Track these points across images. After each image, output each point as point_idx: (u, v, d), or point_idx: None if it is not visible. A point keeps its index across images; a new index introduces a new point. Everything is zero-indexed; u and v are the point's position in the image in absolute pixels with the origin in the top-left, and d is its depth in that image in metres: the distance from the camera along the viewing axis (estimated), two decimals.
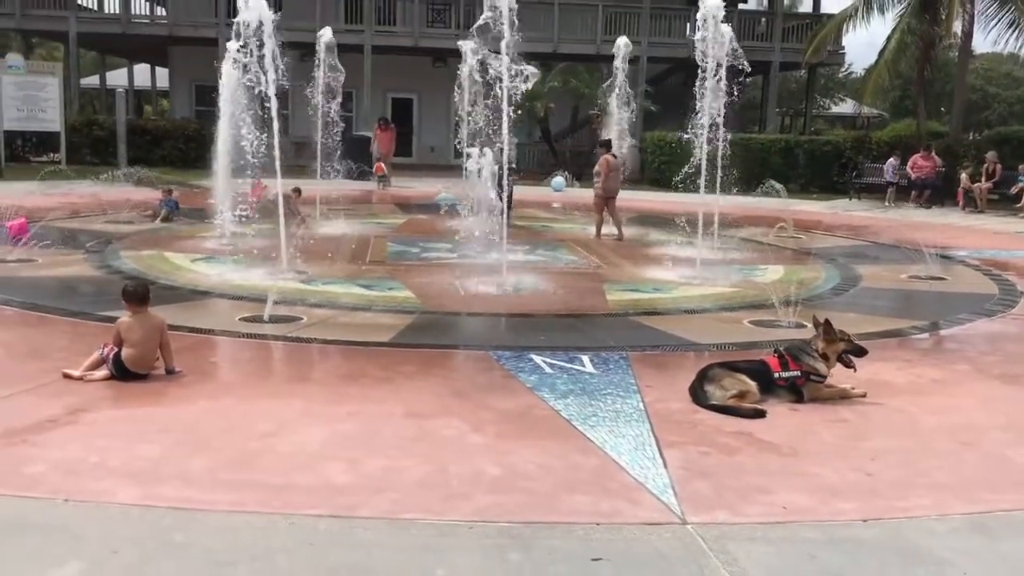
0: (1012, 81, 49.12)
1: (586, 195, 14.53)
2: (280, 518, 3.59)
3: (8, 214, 10.82)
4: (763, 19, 30.90)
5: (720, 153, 11.09)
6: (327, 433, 4.61)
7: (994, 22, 22.48)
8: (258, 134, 9.73)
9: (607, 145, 14.51)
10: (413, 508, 3.73)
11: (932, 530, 3.69)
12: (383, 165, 21.91)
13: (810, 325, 5.92)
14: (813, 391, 5.42)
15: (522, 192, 17.19)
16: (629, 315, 8.34)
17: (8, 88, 21.88)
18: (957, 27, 22.15)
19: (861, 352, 5.59)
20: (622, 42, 16.55)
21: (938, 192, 20.42)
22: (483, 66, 9.78)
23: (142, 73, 38.59)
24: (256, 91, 9.49)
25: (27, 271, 9.27)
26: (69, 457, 4.15)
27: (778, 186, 15.98)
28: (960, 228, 16.27)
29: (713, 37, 10.50)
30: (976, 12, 22.09)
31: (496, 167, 10.44)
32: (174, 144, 24.88)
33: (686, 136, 11.26)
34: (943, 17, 22.12)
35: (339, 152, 15.49)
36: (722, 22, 10.64)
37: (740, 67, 10.81)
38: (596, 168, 14.13)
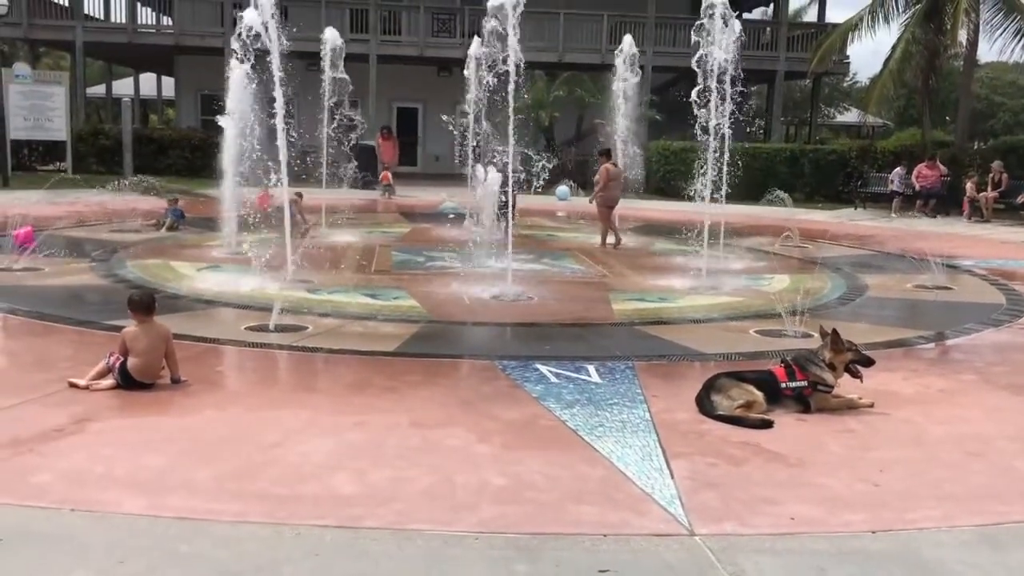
0: (1017, 90, 49.04)
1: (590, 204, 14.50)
2: (286, 529, 3.58)
3: (15, 223, 10.83)
4: (768, 28, 30.96)
5: (725, 162, 11.08)
6: (333, 443, 4.60)
7: (999, 31, 22.52)
8: (264, 143, 9.75)
9: (607, 153, 14.47)
10: (419, 519, 3.72)
11: (941, 542, 3.67)
12: (388, 174, 21.95)
13: (817, 335, 5.91)
14: (820, 401, 5.40)
15: (526, 201, 17.22)
16: (635, 324, 8.32)
17: (15, 97, 21.99)
18: (962, 36, 22.15)
19: (868, 362, 5.58)
20: (627, 40, 16.39)
21: (943, 201, 20.38)
22: (491, 71, 9.77)
23: (148, 82, 38.72)
24: (264, 100, 9.52)
25: (33, 280, 9.29)
26: (75, 467, 4.15)
27: (783, 195, 15.96)
28: (966, 237, 16.23)
29: (719, 41, 10.49)
30: (981, 21, 22.10)
31: (500, 177, 10.46)
32: (180, 153, 24.95)
33: (689, 145, 11.27)
34: (948, 26, 22.11)
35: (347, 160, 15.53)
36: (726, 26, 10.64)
37: (742, 77, 10.82)
38: (596, 177, 14.13)
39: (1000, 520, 3.88)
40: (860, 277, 11.26)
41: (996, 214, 19.18)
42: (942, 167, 20.68)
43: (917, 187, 20.53)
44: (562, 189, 22.31)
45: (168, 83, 36.54)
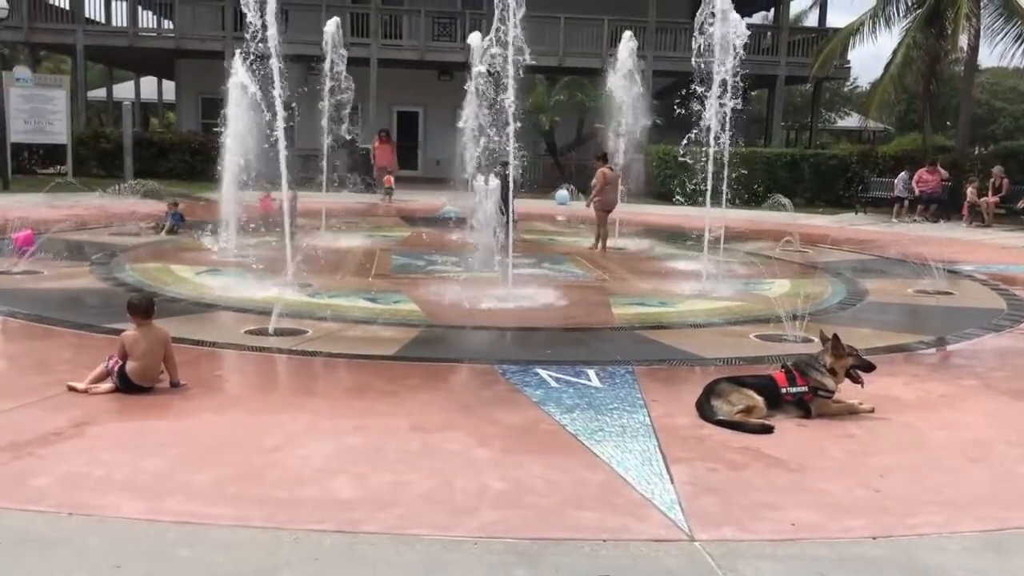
0: (1018, 95, 49.08)
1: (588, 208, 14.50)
2: (285, 533, 3.57)
3: (15, 226, 10.83)
4: (769, 33, 30.97)
5: (726, 166, 11.07)
6: (333, 447, 4.59)
7: (1000, 36, 22.52)
8: (265, 146, 9.75)
9: (603, 157, 14.45)
10: (419, 523, 3.71)
11: (942, 547, 3.66)
12: (391, 178, 21.94)
13: (817, 340, 5.89)
14: (821, 406, 5.39)
15: (527, 205, 17.22)
16: (635, 329, 8.31)
17: (15, 101, 21.98)
18: (963, 41, 22.16)
19: (869, 367, 5.57)
20: (626, 36, 16.29)
21: (944, 206, 20.38)
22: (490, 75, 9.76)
23: (149, 86, 38.76)
24: (263, 103, 9.51)
25: (33, 283, 9.28)
26: (74, 470, 4.14)
27: (784, 200, 15.96)
28: (967, 242, 16.23)
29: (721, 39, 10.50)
30: (982, 26, 22.11)
31: (501, 182, 10.45)
32: (180, 157, 24.95)
33: (687, 149, 11.26)
34: (949, 31, 22.13)
35: (348, 165, 15.54)
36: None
37: (743, 82, 10.81)
38: (593, 181, 14.12)
39: (1002, 526, 3.87)
40: (861, 282, 11.25)
41: (997, 219, 19.19)
42: (943, 171, 20.69)
43: (918, 192, 20.54)
44: (561, 193, 22.34)
45: (169, 87, 36.61)
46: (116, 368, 5.37)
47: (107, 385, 5.38)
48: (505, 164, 10.58)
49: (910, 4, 23.77)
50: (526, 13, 9.38)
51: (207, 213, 14.49)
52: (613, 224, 14.70)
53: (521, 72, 9.34)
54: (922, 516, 3.95)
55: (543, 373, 6.15)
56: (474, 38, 10.28)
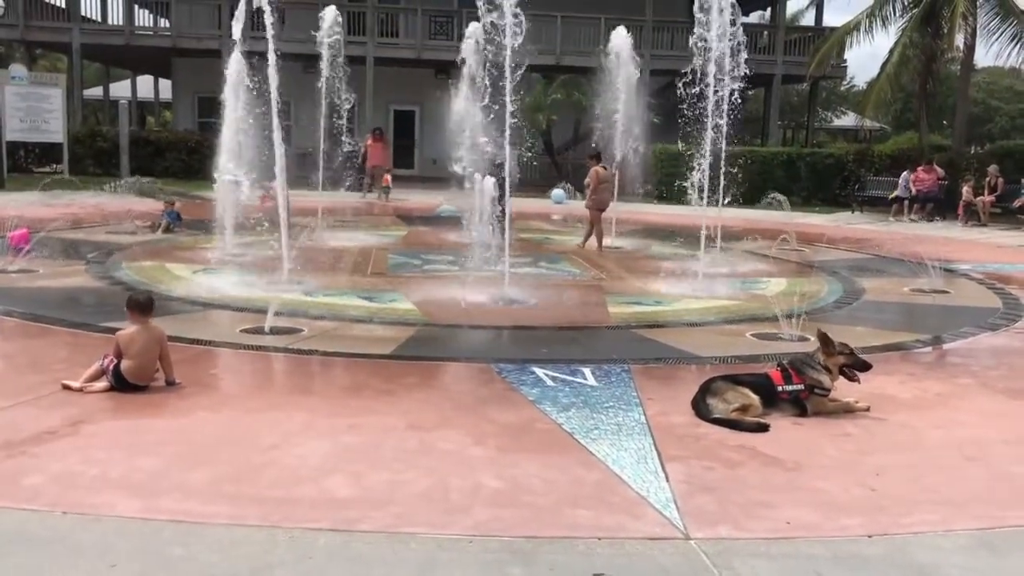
0: (1014, 95, 49.16)
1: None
2: (280, 532, 3.56)
3: (10, 224, 10.81)
4: (765, 32, 30.99)
5: (723, 165, 11.08)
6: (329, 446, 4.58)
7: (996, 36, 22.56)
8: (261, 145, 9.75)
9: (597, 156, 14.45)
10: (414, 522, 3.70)
11: (938, 546, 3.66)
12: (389, 177, 21.89)
13: (813, 338, 5.89)
14: (817, 405, 5.39)
15: (523, 205, 17.21)
16: (631, 328, 8.31)
17: (11, 99, 21.92)
18: (959, 41, 22.21)
19: (864, 366, 5.56)
20: (619, 31, 16.21)
21: (940, 205, 20.40)
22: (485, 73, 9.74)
23: (145, 85, 38.73)
24: (259, 102, 9.52)
25: (28, 282, 9.26)
26: (68, 469, 4.13)
27: (781, 198, 15.97)
28: (963, 241, 16.24)
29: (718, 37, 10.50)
30: (978, 26, 22.14)
31: (497, 181, 10.44)
32: (177, 155, 24.94)
33: (687, 148, 11.27)
34: (945, 31, 22.16)
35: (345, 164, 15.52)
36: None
37: (743, 78, 10.82)
38: (586, 180, 14.13)
39: (997, 524, 3.87)
40: (857, 281, 11.25)
41: (993, 218, 19.22)
42: (939, 170, 20.70)
43: (914, 191, 20.55)
44: (557, 192, 22.34)
45: (165, 85, 36.55)
46: (111, 367, 5.36)
47: (102, 384, 5.37)
48: (500, 164, 10.57)
49: (906, 3, 23.80)
50: (522, 11, 9.36)
51: (203, 212, 14.49)
52: (609, 223, 14.69)
53: (513, 70, 9.32)
54: (918, 515, 3.95)
55: (539, 372, 6.15)
56: (473, 28, 10.24)
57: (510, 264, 9.78)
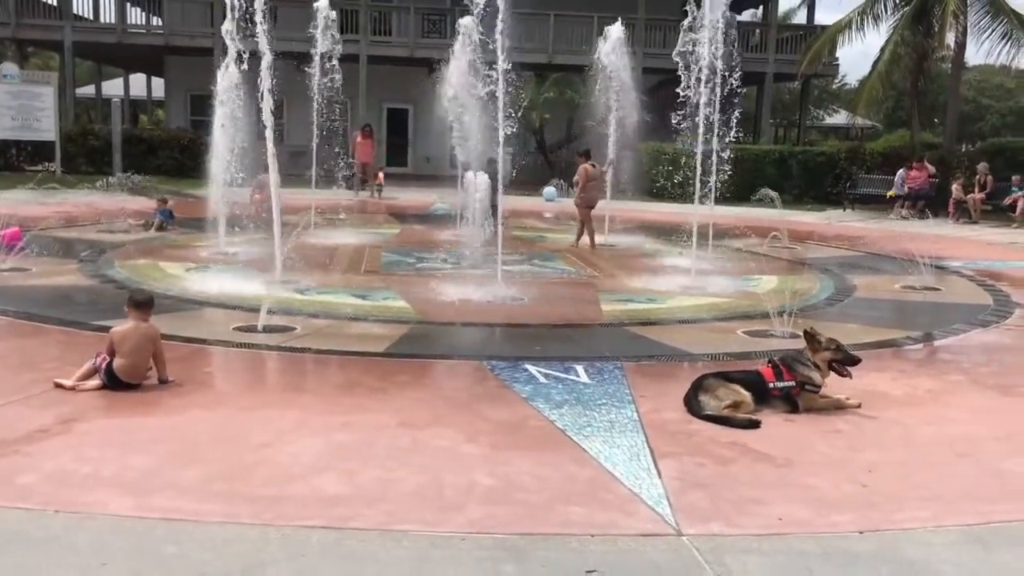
0: (1004, 92, 49.28)
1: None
2: (272, 530, 3.57)
3: (2, 223, 10.77)
4: (757, 30, 31.04)
5: (714, 163, 11.10)
6: (322, 444, 4.59)
7: (987, 34, 22.58)
8: (254, 143, 9.75)
9: (586, 154, 14.47)
10: (407, 519, 3.71)
11: (928, 542, 3.68)
12: (381, 175, 21.84)
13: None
14: (808, 401, 5.41)
15: (516, 202, 17.22)
16: (624, 325, 8.33)
17: (3, 97, 21.89)
18: (950, 39, 22.26)
19: (852, 360, 5.58)
20: (615, 27, 16.19)
21: (932, 202, 20.45)
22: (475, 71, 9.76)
23: (138, 83, 38.58)
24: (252, 100, 9.51)
25: (20, 280, 9.24)
26: (61, 467, 4.13)
27: (772, 193, 15.98)
28: (954, 239, 16.29)
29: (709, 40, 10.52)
30: (969, 24, 22.17)
31: (489, 179, 10.46)
32: (169, 154, 24.85)
33: (679, 146, 11.29)
34: (936, 29, 22.21)
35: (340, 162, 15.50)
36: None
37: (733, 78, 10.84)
38: (575, 178, 14.15)
39: (987, 520, 3.90)
40: (848, 278, 11.29)
41: (983, 215, 19.28)
42: (930, 168, 20.75)
43: (906, 189, 20.59)
44: (549, 190, 22.36)
45: (158, 83, 36.46)
46: (103, 365, 5.35)
47: (94, 382, 5.37)
48: (493, 161, 10.58)
49: (898, 2, 23.83)
50: (514, 11, 9.37)
51: (196, 210, 14.46)
52: (602, 221, 14.71)
53: (505, 67, 9.33)
54: (908, 511, 3.97)
55: (532, 369, 6.16)
56: (465, 22, 10.22)
57: (503, 262, 9.80)
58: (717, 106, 10.73)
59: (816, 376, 5.43)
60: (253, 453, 4.41)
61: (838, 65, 31.15)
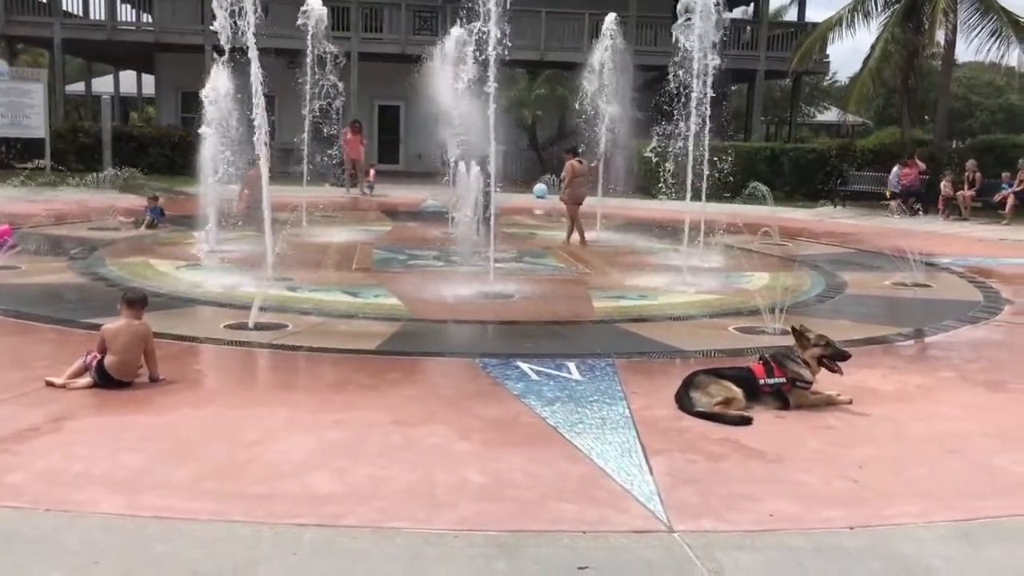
0: (994, 90, 49.48)
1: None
2: (264, 528, 3.56)
3: None
4: (748, 28, 31.05)
5: (706, 160, 11.11)
6: (313, 442, 4.58)
7: (976, 31, 22.64)
8: (244, 141, 9.72)
9: (573, 150, 14.48)
10: (399, 517, 3.71)
11: (918, 537, 3.69)
12: (373, 171, 21.77)
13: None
14: (799, 398, 5.42)
15: (506, 199, 17.20)
16: (615, 322, 8.33)
17: None
18: (940, 36, 22.31)
19: (842, 355, 5.59)
20: (609, 18, 16.16)
21: (922, 199, 20.49)
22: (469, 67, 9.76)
23: (128, 80, 38.41)
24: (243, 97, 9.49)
25: (10, 278, 9.19)
26: (51, 466, 4.11)
27: (764, 188, 16.01)
28: (944, 235, 16.34)
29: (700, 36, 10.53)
30: (959, 21, 22.23)
31: (481, 176, 10.45)
32: (160, 151, 24.75)
33: (667, 144, 11.30)
34: (926, 26, 22.26)
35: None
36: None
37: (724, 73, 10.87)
38: (563, 174, 14.17)
39: (977, 515, 3.92)
40: (839, 274, 11.31)
41: (973, 212, 19.36)
42: (920, 164, 20.81)
43: (900, 186, 20.63)
44: (540, 187, 22.36)
45: (148, 81, 36.25)
46: (94, 363, 5.34)
47: (85, 380, 5.35)
48: (484, 157, 10.57)
49: None
50: (506, 7, 9.36)
51: (187, 207, 14.42)
52: (594, 218, 14.71)
53: (495, 64, 9.32)
54: (899, 507, 3.99)
55: (524, 366, 6.16)
56: (455, 32, 10.25)
57: (495, 259, 9.80)
58: (707, 104, 10.74)
59: (806, 373, 5.45)
60: (244, 451, 4.40)
61: (829, 62, 31.25)
